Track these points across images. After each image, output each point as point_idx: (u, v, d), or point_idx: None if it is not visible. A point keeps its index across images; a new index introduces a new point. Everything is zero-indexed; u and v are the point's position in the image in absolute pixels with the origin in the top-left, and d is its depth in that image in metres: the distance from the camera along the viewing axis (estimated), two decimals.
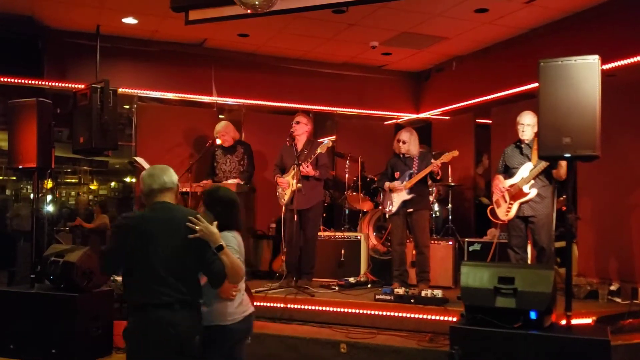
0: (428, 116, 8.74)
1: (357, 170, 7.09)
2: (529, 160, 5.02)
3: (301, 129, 5.93)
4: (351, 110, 8.61)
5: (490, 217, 5.32)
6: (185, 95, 7.68)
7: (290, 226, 5.82)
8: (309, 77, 8.30)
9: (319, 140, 6.14)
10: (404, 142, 5.65)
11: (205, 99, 7.77)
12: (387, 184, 5.70)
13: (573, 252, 5.40)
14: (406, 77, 8.92)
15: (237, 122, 7.55)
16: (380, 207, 6.40)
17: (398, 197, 5.58)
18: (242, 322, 3.13)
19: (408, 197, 5.53)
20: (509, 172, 5.18)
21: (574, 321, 3.90)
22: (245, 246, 6.56)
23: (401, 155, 5.70)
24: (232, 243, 3.07)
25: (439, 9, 6.13)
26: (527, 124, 5.02)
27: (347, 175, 7.19)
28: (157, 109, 7.58)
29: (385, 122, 8.91)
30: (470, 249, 6.15)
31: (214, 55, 7.80)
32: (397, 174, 5.68)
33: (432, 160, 5.50)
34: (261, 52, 7.89)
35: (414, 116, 8.91)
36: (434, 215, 6.95)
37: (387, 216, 5.84)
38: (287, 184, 5.88)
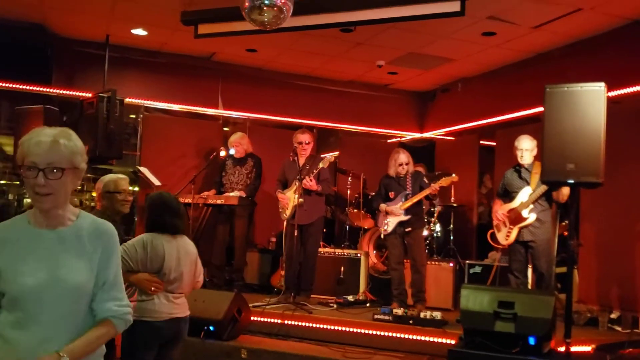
0: (432, 136, 8.76)
1: (359, 187, 7.10)
2: (528, 184, 5.02)
3: (309, 148, 5.96)
4: (355, 127, 8.64)
5: (491, 242, 5.31)
6: (192, 107, 7.72)
7: (290, 241, 5.81)
8: (314, 94, 8.34)
9: (321, 156, 6.15)
10: (406, 164, 5.67)
11: (211, 111, 7.81)
12: (382, 206, 5.70)
13: (574, 278, 5.37)
14: (411, 97, 8.96)
15: None
16: (377, 226, 6.39)
17: (394, 217, 5.59)
18: (167, 322, 3.21)
19: (405, 218, 5.54)
20: (509, 196, 5.17)
21: (573, 348, 3.88)
22: (241, 258, 6.48)
23: (394, 176, 5.72)
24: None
25: (446, 31, 6.17)
26: (526, 149, 5.03)
27: (348, 192, 7.19)
28: (162, 119, 7.62)
29: (389, 140, 8.92)
30: (471, 271, 6.12)
31: (221, 69, 7.86)
32: (391, 194, 5.69)
33: (426, 180, 5.57)
34: (269, 67, 7.95)
35: (418, 135, 8.93)
36: (435, 235, 6.94)
37: (382, 236, 5.82)
38: (287, 202, 5.88)
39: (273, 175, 6.50)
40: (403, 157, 5.70)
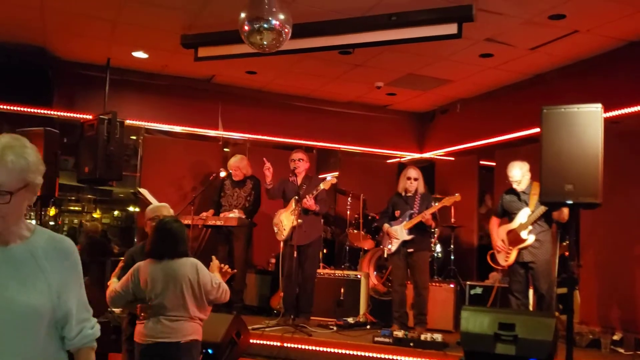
0: (432, 156, 8.78)
1: (358, 208, 7.09)
2: (527, 205, 5.02)
3: (303, 166, 5.99)
4: (355, 147, 8.67)
5: (491, 263, 5.29)
6: (192, 129, 7.75)
7: (289, 262, 5.78)
8: (314, 115, 8.39)
9: (320, 177, 6.16)
10: (415, 179, 5.65)
11: (211, 133, 7.84)
12: (385, 226, 5.68)
13: (575, 299, 5.34)
14: (410, 117, 9.01)
15: None
16: (381, 246, 6.37)
17: (398, 237, 5.57)
18: (151, 345, 3.22)
19: (408, 237, 5.52)
20: (508, 217, 5.17)
21: None
22: (241, 279, 6.46)
23: (403, 194, 5.70)
24: None
25: (444, 53, 6.23)
26: (516, 181, 5.04)
27: (348, 212, 7.18)
28: (163, 141, 7.65)
29: (389, 161, 8.95)
30: (472, 292, 6.08)
31: (221, 91, 7.90)
32: (397, 213, 5.68)
33: (434, 204, 5.51)
34: (268, 89, 8.00)
35: (417, 156, 8.95)
36: (435, 256, 6.91)
37: (385, 255, 5.80)
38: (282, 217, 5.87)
39: None
40: (412, 171, 5.70)
